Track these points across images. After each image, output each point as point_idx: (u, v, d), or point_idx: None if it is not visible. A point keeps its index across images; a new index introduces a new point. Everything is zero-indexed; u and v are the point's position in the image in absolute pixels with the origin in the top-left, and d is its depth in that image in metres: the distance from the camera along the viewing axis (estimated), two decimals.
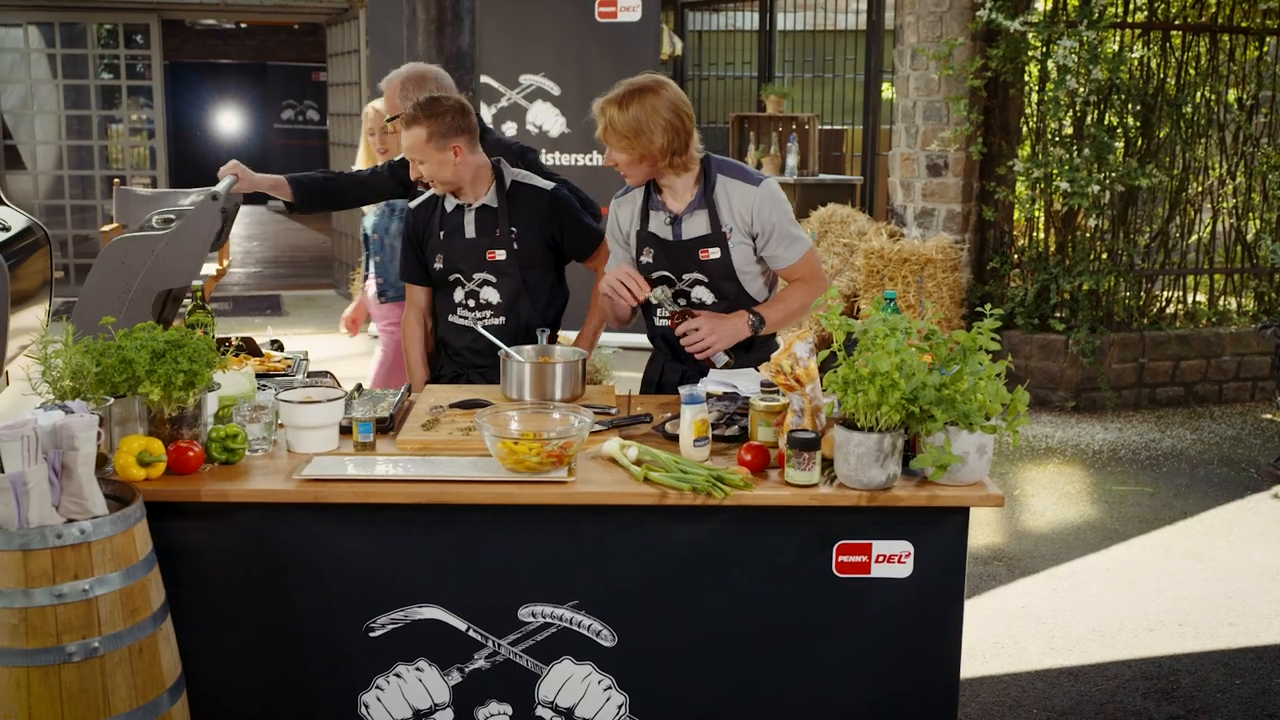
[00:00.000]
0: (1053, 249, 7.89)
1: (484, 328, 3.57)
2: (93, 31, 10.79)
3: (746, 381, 3.25)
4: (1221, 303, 8.38)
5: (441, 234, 3.74)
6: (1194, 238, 8.33)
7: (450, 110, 3.60)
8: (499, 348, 3.34)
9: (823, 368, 2.76)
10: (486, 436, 2.69)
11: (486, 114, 8.61)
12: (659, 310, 3.52)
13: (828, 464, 2.73)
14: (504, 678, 2.75)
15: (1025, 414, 2.59)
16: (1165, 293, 8.30)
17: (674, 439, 2.94)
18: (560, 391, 3.25)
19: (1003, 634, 4.48)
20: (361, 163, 5.28)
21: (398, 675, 2.75)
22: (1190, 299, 8.32)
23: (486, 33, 7.01)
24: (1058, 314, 7.75)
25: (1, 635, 2.29)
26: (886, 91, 9.52)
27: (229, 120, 20.17)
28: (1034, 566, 5.15)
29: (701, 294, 3.44)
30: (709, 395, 3.16)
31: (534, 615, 2.73)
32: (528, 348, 3.40)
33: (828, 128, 10.08)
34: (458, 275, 3.75)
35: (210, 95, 19.97)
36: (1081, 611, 4.68)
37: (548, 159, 8.70)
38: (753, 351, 3.41)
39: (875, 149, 9.40)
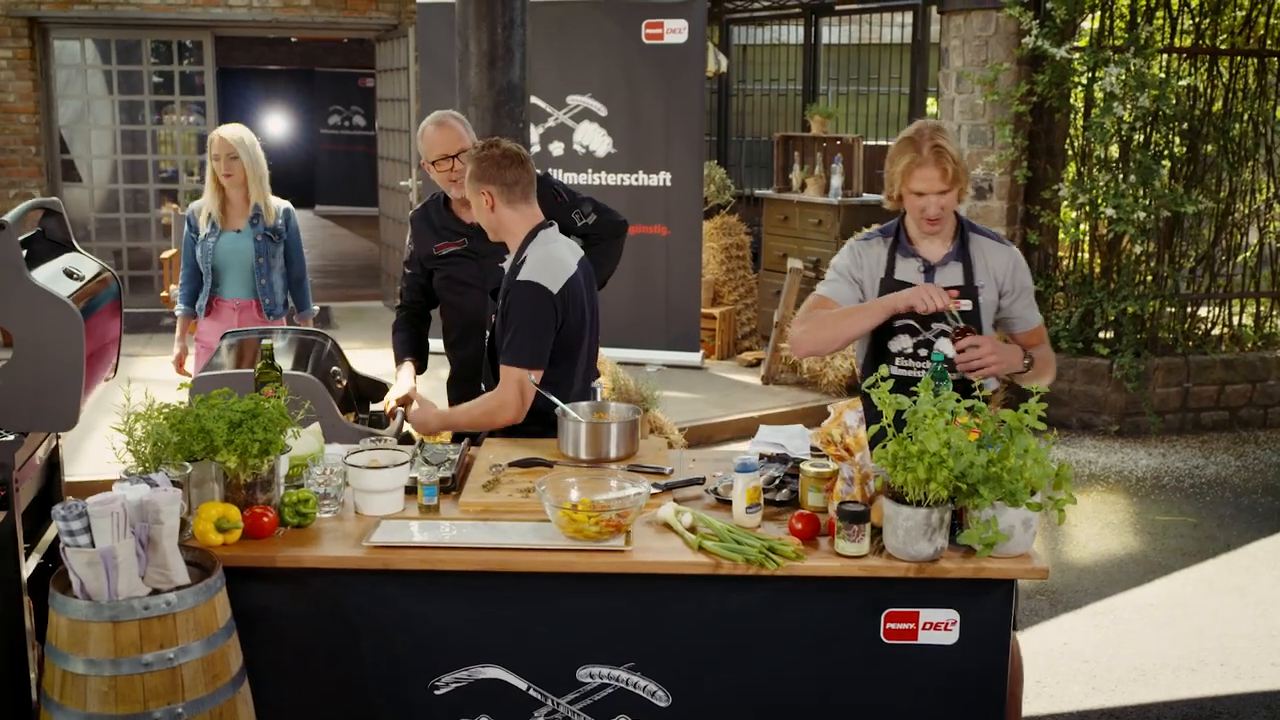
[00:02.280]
0: (1097, 272, 7.91)
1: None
2: (146, 45, 10.98)
3: (795, 441, 3.35)
4: (1268, 325, 8.36)
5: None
6: (1240, 258, 8.32)
7: (489, 158, 3.61)
8: (555, 404, 3.44)
9: (872, 443, 2.84)
10: (547, 505, 2.80)
11: (534, 134, 8.73)
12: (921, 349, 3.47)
13: (876, 531, 2.81)
14: None
15: (1070, 493, 2.67)
16: (1211, 313, 8.30)
17: (726, 503, 3.04)
18: (615, 450, 3.35)
19: (1045, 673, 4.54)
20: (210, 193, 5.23)
21: None
22: (1236, 321, 8.32)
23: (534, 54, 7.13)
24: (1101, 337, 7.77)
25: (93, 701, 2.43)
26: (931, 107, 9.55)
27: (276, 125, 20.43)
28: (1077, 601, 5.20)
29: (944, 346, 3.40)
30: (760, 456, 3.26)
31: (592, 676, 2.84)
32: (584, 404, 3.50)
33: (871, 143, 10.13)
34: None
35: (257, 100, 20.23)
36: (1123, 649, 4.73)
37: (594, 179, 8.82)
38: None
39: None
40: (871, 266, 3.49)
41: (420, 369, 4.23)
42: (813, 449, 3.10)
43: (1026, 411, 2.69)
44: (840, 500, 2.82)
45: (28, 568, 3.71)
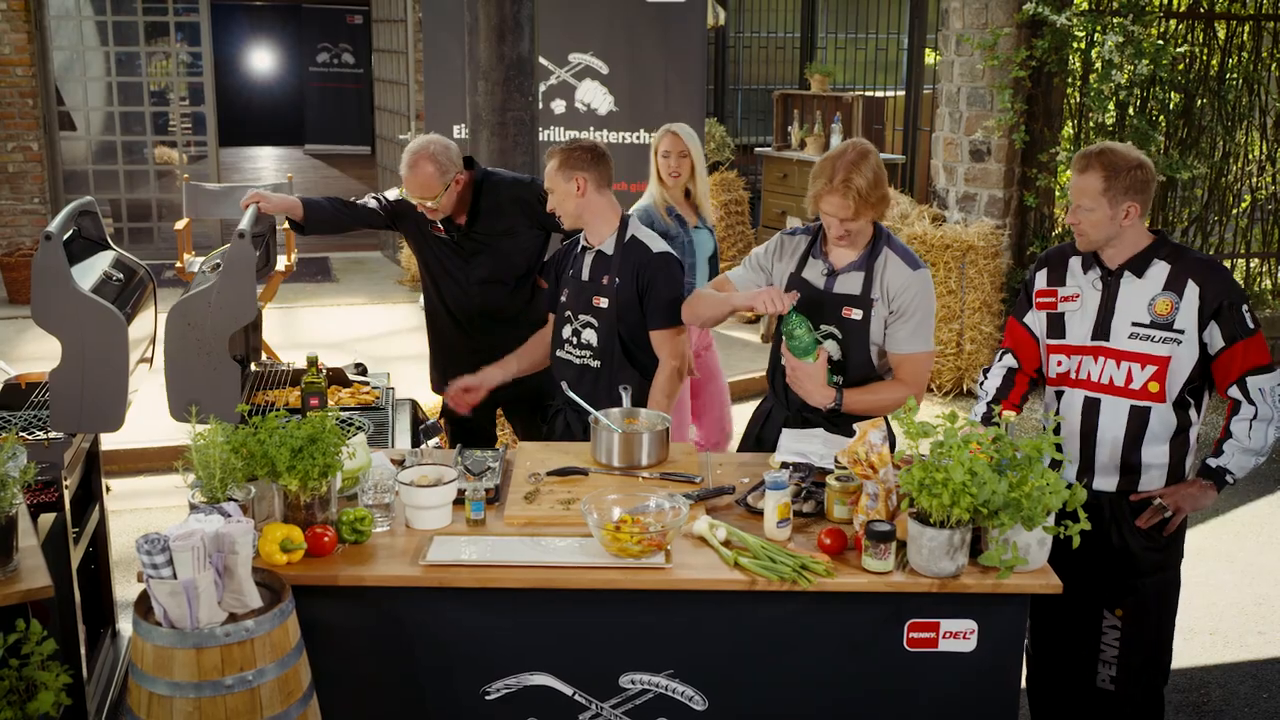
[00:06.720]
0: None
1: (570, 390, 3.83)
2: None
3: (815, 447, 3.52)
4: (1257, 284, 8.54)
5: (570, 271, 4.06)
6: (1234, 213, 8.47)
7: (581, 147, 3.94)
8: (588, 412, 3.60)
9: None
10: (591, 524, 2.98)
11: None
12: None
13: (901, 546, 3.00)
14: None
15: (1084, 518, 2.85)
16: None
17: (755, 513, 3.22)
18: (646, 458, 3.52)
19: None
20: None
21: None
22: None
23: (537, 12, 7.15)
24: None
25: None
26: (930, 58, 9.61)
27: (263, 62, 20.28)
28: None
29: (831, 347, 3.67)
30: (783, 464, 3.43)
31: (633, 682, 3.04)
32: (615, 411, 3.66)
33: (869, 94, 10.20)
34: (569, 313, 4.04)
35: (245, 37, 20.07)
36: None
37: (595, 137, 8.87)
38: (824, 423, 3.64)
39: (917, 122, 9.53)
40: (788, 260, 3.75)
41: (306, 221, 4.59)
42: (837, 463, 3.27)
43: (1045, 440, 2.87)
44: (867, 518, 3.01)
45: (77, 556, 3.91)
